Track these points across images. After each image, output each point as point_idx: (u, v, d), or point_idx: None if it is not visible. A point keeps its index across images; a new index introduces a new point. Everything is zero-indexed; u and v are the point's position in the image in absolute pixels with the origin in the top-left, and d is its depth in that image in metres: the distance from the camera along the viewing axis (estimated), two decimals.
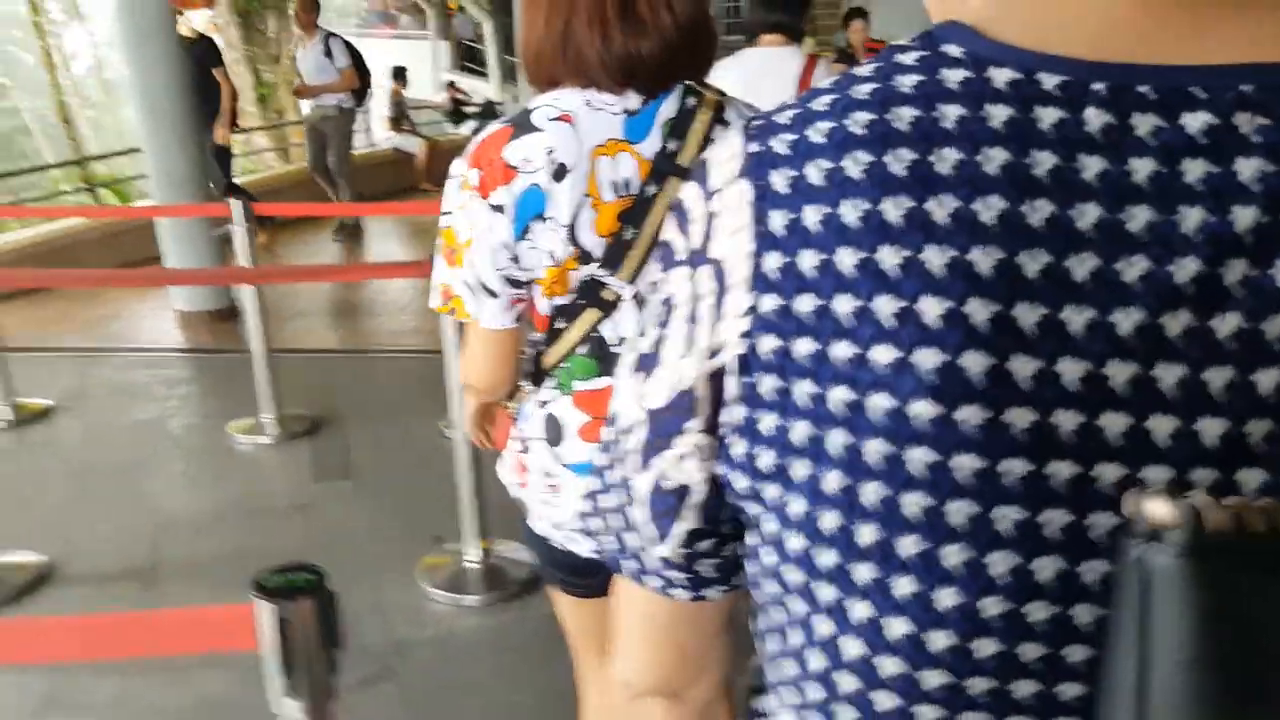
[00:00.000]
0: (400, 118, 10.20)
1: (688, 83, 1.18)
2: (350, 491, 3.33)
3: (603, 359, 1.20)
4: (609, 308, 1.18)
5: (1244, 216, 0.36)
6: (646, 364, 0.48)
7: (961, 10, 0.42)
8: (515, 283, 1.19)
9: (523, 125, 1.14)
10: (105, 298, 5.81)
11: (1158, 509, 0.34)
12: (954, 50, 0.40)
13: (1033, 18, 0.40)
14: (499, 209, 1.14)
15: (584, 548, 1.27)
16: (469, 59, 15.91)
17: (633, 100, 1.15)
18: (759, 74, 2.67)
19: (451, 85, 12.70)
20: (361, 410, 4.07)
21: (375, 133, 10.38)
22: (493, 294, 1.18)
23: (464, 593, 2.61)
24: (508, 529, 2.86)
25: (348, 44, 7.06)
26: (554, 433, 1.24)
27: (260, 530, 3.06)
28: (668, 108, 1.16)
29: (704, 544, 0.50)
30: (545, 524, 1.30)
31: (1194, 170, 0.36)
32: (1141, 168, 0.37)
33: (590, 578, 1.31)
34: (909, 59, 0.41)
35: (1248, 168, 0.36)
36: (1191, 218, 0.36)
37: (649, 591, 0.54)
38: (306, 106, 7.09)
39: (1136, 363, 0.37)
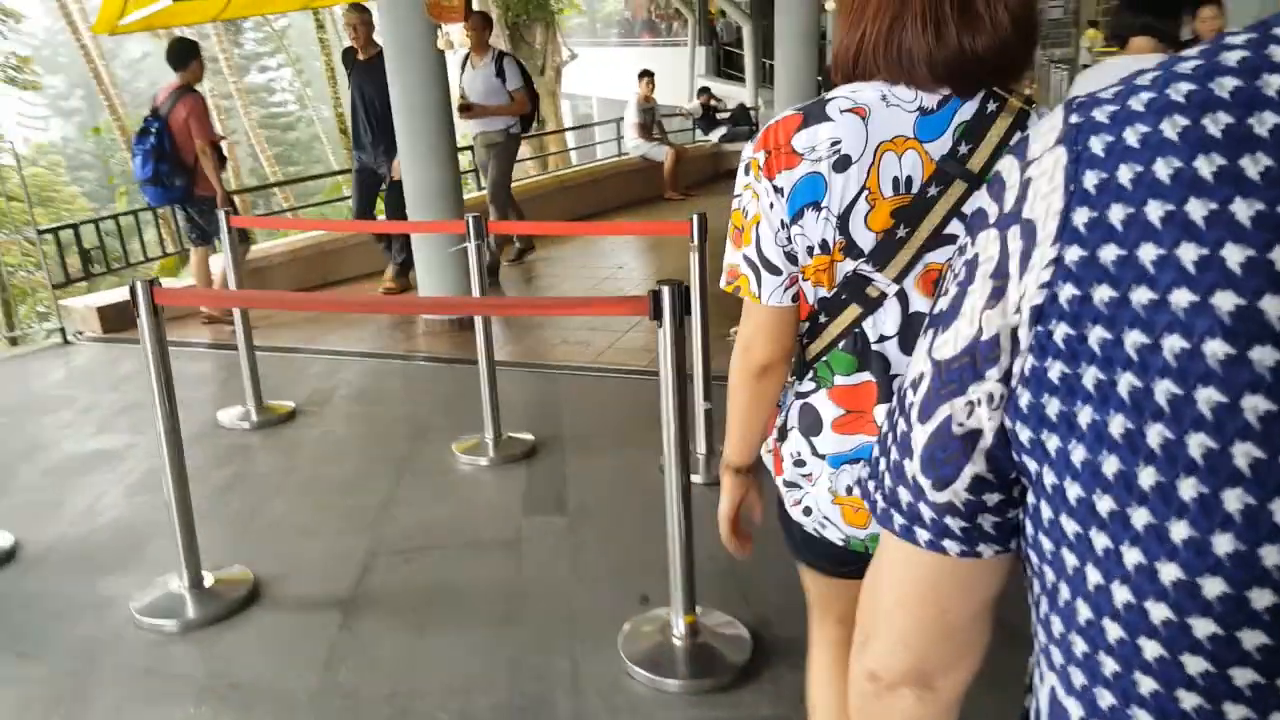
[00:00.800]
0: (650, 124, 10.11)
1: (993, 88, 1.14)
2: (562, 529, 3.10)
3: (863, 356, 1.21)
4: (872, 305, 1.18)
5: None
6: (942, 320, 0.51)
7: None
8: (793, 259, 1.20)
9: (814, 114, 1.16)
10: None
11: None
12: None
13: None
14: (779, 190, 1.16)
15: (835, 536, 1.29)
16: (728, 64, 15.72)
17: (930, 99, 1.14)
18: None
19: (705, 91, 12.52)
20: (583, 435, 3.87)
21: (626, 140, 10.35)
22: (776, 270, 1.20)
23: (667, 675, 2.27)
24: (723, 597, 2.54)
25: (520, 66, 6.74)
26: (810, 423, 1.26)
27: (465, 564, 2.89)
28: (966, 110, 1.13)
29: (991, 497, 0.51)
30: (796, 510, 1.31)
31: None
32: None
33: (845, 565, 1.32)
34: (1238, 40, 0.43)
35: None
36: None
37: (917, 549, 0.54)
38: (473, 128, 6.75)
39: None
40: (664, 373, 2.21)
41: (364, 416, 4.31)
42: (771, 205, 1.17)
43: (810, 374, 1.25)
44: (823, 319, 1.21)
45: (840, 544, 1.28)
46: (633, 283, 6.49)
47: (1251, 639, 0.40)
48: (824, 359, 1.23)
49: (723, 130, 11.93)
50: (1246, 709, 0.41)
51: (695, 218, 3.32)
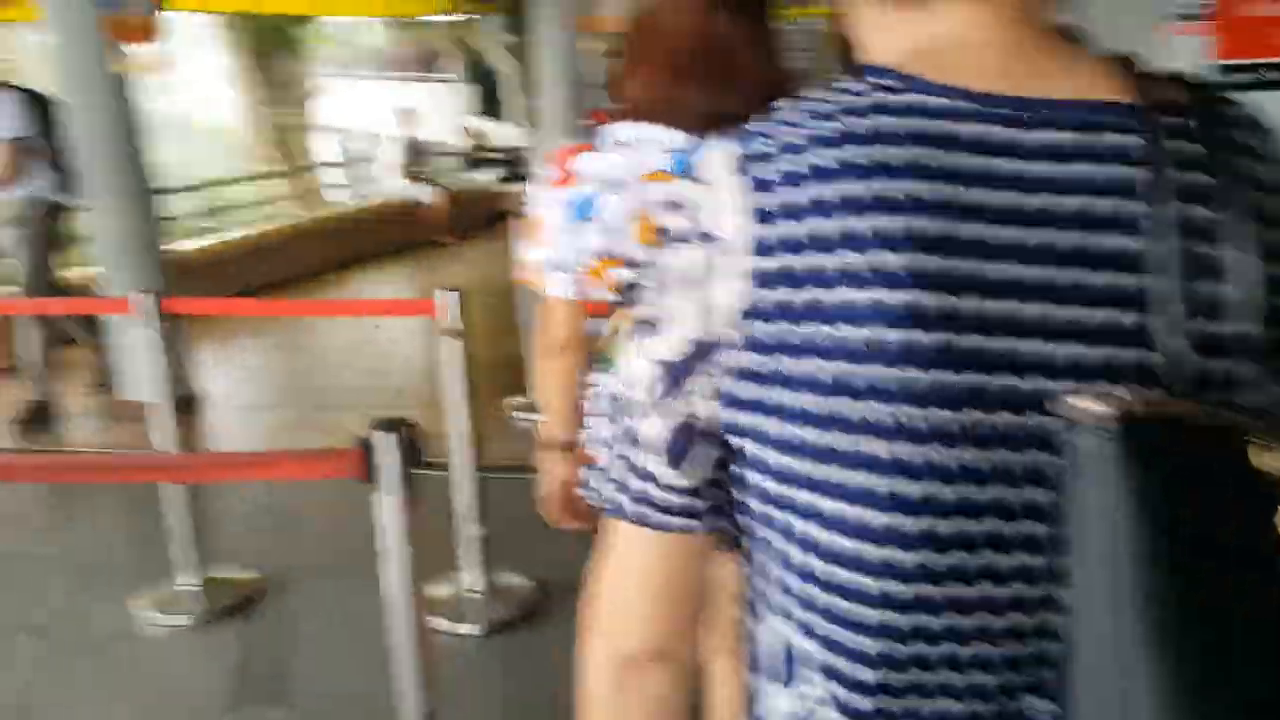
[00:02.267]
0: (416, 165, 9.25)
1: None
2: None
3: None
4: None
5: (1079, 202, 0.52)
6: (653, 326, 0.59)
7: (883, 57, 0.57)
8: (574, 261, 1.37)
9: (592, 144, 1.39)
10: None
11: (1088, 403, 0.46)
12: (891, 81, 0.54)
13: (936, 62, 0.55)
14: (565, 204, 1.37)
15: None
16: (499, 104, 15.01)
17: (685, 141, 1.31)
18: None
19: (474, 131, 11.82)
20: (327, 566, 3.02)
21: (390, 182, 9.43)
22: (561, 268, 1.39)
23: None
24: None
25: (37, 98, 4.34)
26: (603, 402, 1.41)
27: None
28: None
29: (720, 473, 0.60)
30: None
31: (1074, 168, 0.53)
32: (1007, 165, 0.52)
33: None
34: (858, 86, 0.55)
35: (1102, 173, 0.52)
36: (1065, 203, 0.52)
37: (647, 534, 0.62)
38: None
39: (1041, 303, 0.51)
40: (390, 559, 1.49)
41: None
42: (557, 215, 1.36)
43: (605, 366, 1.40)
44: (608, 317, 1.38)
45: None
46: (369, 377, 5.55)
47: (910, 558, 0.52)
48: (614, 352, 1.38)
49: (501, 170, 11.27)
50: (933, 618, 0.54)
51: (444, 298, 2.58)
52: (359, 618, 2.66)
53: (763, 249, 0.54)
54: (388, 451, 1.41)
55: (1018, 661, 0.54)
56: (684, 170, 1.44)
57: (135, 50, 4.09)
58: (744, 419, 0.56)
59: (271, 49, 14.18)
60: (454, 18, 13.31)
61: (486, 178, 11.12)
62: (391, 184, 9.41)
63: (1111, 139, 0.52)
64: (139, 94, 4.29)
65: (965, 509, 0.51)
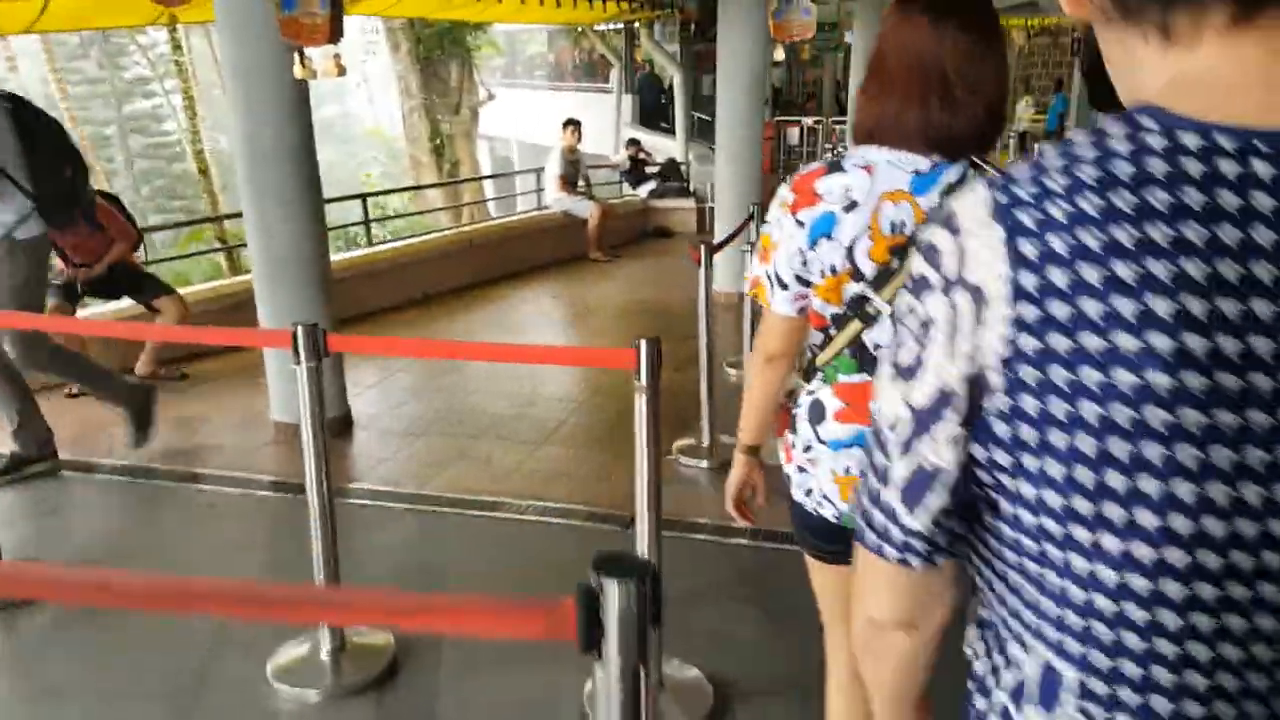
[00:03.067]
0: (574, 177, 9.01)
1: (973, 158, 1.40)
2: None
3: (862, 360, 1.46)
4: (870, 320, 1.43)
5: None
6: (908, 373, 0.62)
7: (1138, 92, 0.59)
8: (802, 281, 1.46)
9: (834, 166, 1.43)
10: None
11: None
12: (1149, 122, 0.56)
13: (1197, 99, 0.56)
14: (801, 224, 1.43)
15: (830, 512, 1.52)
16: (657, 115, 14.74)
17: (924, 163, 1.39)
18: None
19: (633, 143, 11.52)
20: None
21: (547, 193, 9.22)
22: (785, 286, 1.47)
23: None
24: None
25: (19, 110, 3.52)
26: (817, 414, 1.50)
27: None
28: (952, 174, 1.38)
29: (947, 520, 0.64)
30: (800, 491, 1.55)
31: None
32: (1270, 200, 0.53)
33: (836, 544, 1.52)
34: (1115, 129, 0.57)
35: None
36: None
37: (885, 565, 0.68)
38: None
39: None
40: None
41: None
42: (792, 235, 1.43)
43: (819, 376, 1.50)
44: (833, 331, 1.46)
45: (834, 520, 1.51)
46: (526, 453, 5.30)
47: (1207, 591, 0.55)
48: (832, 364, 1.47)
49: (652, 185, 10.93)
50: (1205, 647, 0.57)
51: (643, 345, 2.16)
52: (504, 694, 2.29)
53: (1024, 296, 0.56)
54: (618, 608, 0.97)
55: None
56: (921, 191, 1.37)
57: (314, 53, 3.87)
58: (1008, 459, 0.59)
59: (437, 55, 14.43)
60: (619, 25, 13.15)
61: (642, 192, 10.82)
62: (548, 196, 9.18)
63: None
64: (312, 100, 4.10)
65: (1237, 543, 0.54)
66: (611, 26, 13.25)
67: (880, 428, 0.65)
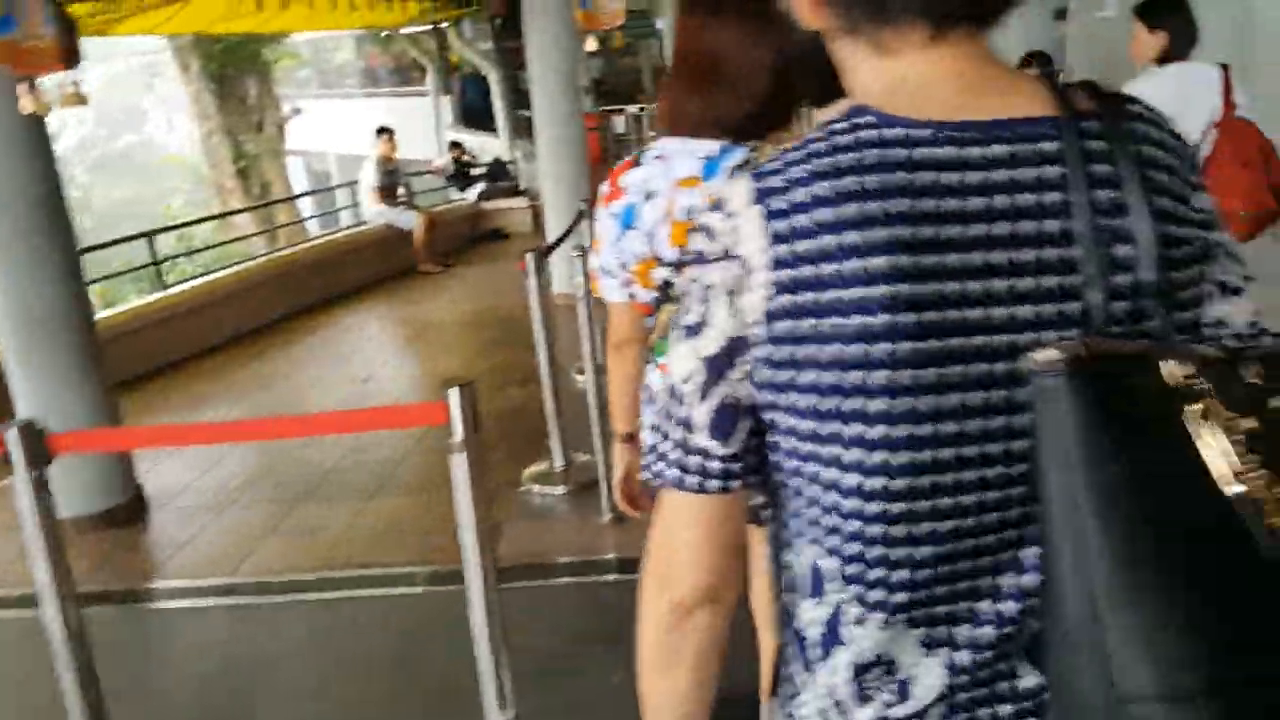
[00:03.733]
0: (393, 187, 8.40)
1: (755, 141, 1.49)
2: None
3: None
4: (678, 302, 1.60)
5: (1010, 199, 0.67)
6: (696, 330, 0.73)
7: (863, 93, 0.73)
8: (625, 268, 1.53)
9: (636, 160, 1.53)
10: None
11: (1047, 353, 0.59)
12: (865, 120, 0.69)
13: (906, 99, 0.69)
14: (614, 216, 1.52)
15: None
16: (489, 114, 14.08)
17: (714, 148, 1.46)
18: None
19: (456, 145, 10.97)
20: None
21: (364, 208, 8.59)
22: (612, 275, 1.55)
23: None
24: None
25: None
26: (647, 395, 1.56)
27: None
28: (736, 157, 1.46)
29: (754, 440, 0.74)
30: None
31: (1000, 174, 0.67)
32: (955, 177, 0.67)
33: None
34: (840, 126, 0.69)
35: (1025, 174, 0.67)
36: (998, 201, 0.67)
37: (701, 499, 0.76)
38: None
39: (991, 279, 0.66)
40: None
41: None
42: (608, 228, 1.53)
43: (650, 356, 1.56)
44: (655, 314, 1.54)
45: None
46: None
47: (925, 481, 0.67)
48: (656, 345, 1.49)
49: (480, 187, 10.44)
50: (927, 525, 0.69)
51: (454, 396, 1.78)
52: None
53: (779, 264, 0.67)
54: None
55: (1000, 544, 0.71)
56: (710, 176, 1.45)
57: (47, 82, 3.25)
58: (774, 397, 0.70)
59: (230, 71, 13.36)
60: (429, 27, 12.52)
61: (471, 195, 10.31)
62: (365, 210, 8.55)
63: (1036, 146, 0.68)
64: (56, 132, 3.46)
65: (942, 442, 0.67)
66: (421, 28, 12.60)
67: (675, 384, 0.75)
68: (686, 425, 0.74)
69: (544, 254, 3.73)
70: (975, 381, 0.66)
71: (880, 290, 0.64)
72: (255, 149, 13.86)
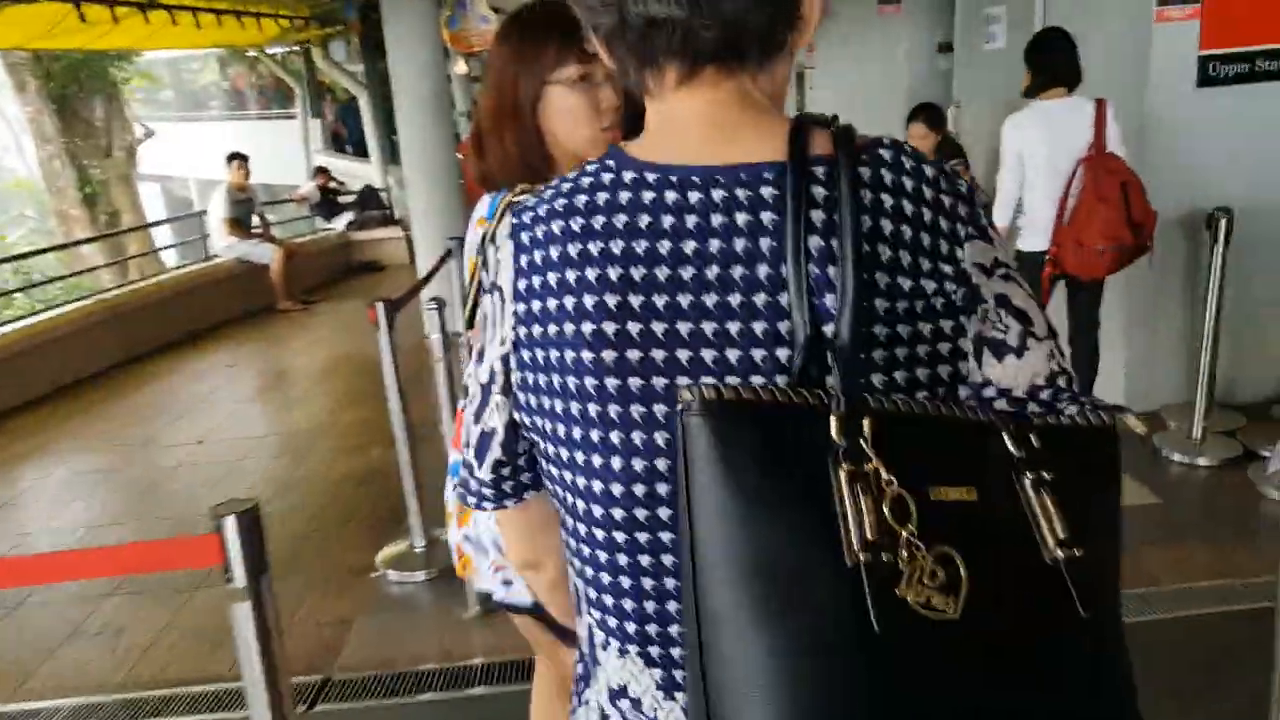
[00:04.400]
0: (245, 219, 7.73)
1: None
2: None
3: None
4: None
5: (722, 244, 0.68)
6: (479, 357, 0.78)
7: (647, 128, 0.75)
8: None
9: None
10: None
11: (691, 392, 0.60)
12: (610, 162, 0.73)
13: (654, 141, 0.73)
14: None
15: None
16: (359, 140, 13.39)
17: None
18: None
19: (322, 171, 10.33)
20: None
21: (214, 240, 7.88)
22: None
23: None
24: None
25: None
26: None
27: None
28: (505, 196, 1.26)
29: (505, 470, 0.80)
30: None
31: (717, 219, 0.68)
32: (672, 220, 0.69)
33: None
34: (590, 167, 0.74)
35: (740, 218, 0.68)
36: (712, 245, 0.68)
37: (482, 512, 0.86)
38: None
39: (694, 320, 0.68)
40: None
41: None
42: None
43: None
44: None
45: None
46: None
47: (641, 512, 0.70)
48: None
49: (349, 216, 9.83)
50: (643, 556, 0.71)
51: (230, 525, 1.33)
52: None
53: (519, 296, 0.72)
54: None
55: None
56: (490, 214, 1.47)
57: None
58: (529, 420, 0.74)
59: (74, 91, 12.29)
60: (294, 48, 11.83)
61: (339, 224, 9.69)
62: (215, 243, 7.85)
63: (755, 191, 0.68)
64: None
65: (649, 478, 0.69)
66: (288, 49, 11.90)
67: (467, 404, 0.81)
68: (466, 443, 0.81)
69: (398, 303, 3.28)
70: (667, 419, 0.68)
71: (589, 326, 0.68)
72: (103, 174, 12.80)
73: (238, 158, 7.73)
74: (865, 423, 0.59)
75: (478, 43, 5.81)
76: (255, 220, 7.85)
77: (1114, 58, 3.76)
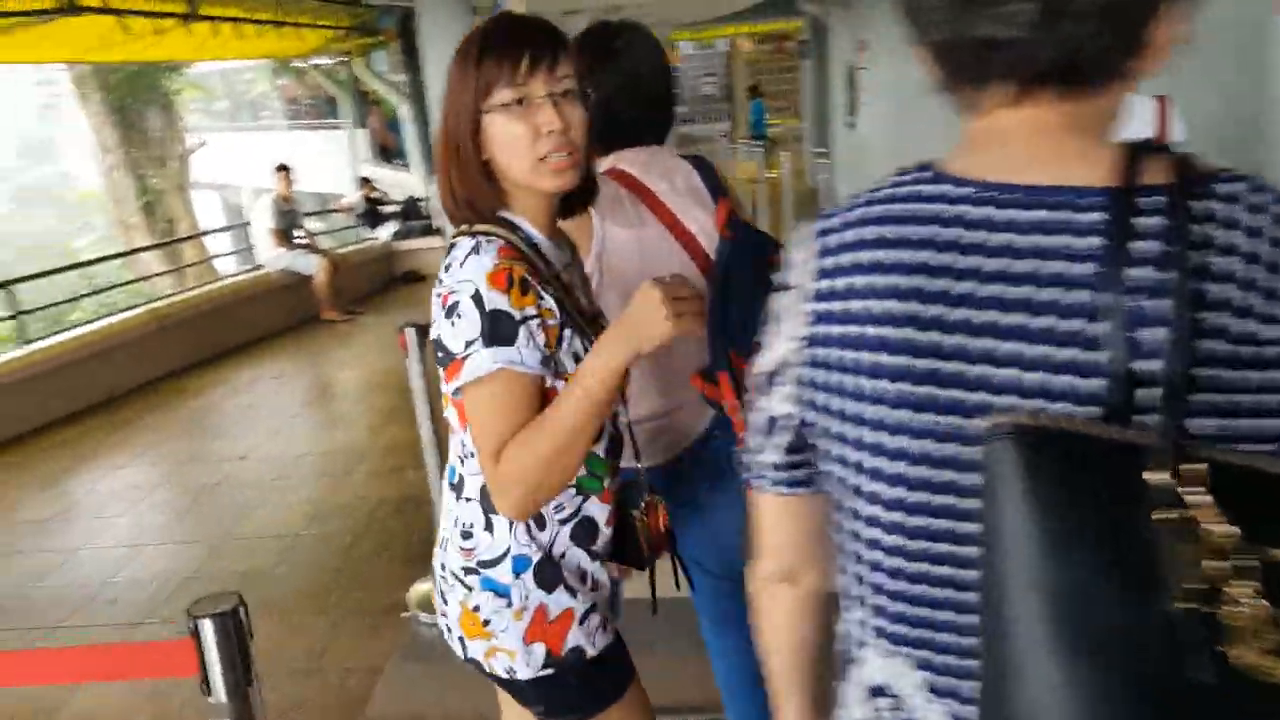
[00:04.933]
0: (290, 229, 7.77)
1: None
2: None
3: None
4: None
5: (1031, 265, 0.67)
6: (765, 347, 0.81)
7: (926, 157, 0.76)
8: None
9: None
10: None
11: (1000, 417, 0.60)
12: (918, 174, 0.73)
13: (971, 156, 0.72)
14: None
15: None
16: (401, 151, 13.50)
17: None
18: None
19: (365, 182, 10.38)
20: None
21: (259, 251, 7.94)
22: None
23: None
24: None
25: None
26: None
27: None
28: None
29: (797, 456, 0.82)
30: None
31: (1029, 240, 0.67)
32: (973, 235, 0.68)
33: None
34: (906, 176, 0.74)
35: (1056, 242, 0.66)
36: (1017, 265, 0.67)
37: (761, 493, 0.86)
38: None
39: (1011, 341, 0.67)
40: None
41: None
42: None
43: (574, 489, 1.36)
44: None
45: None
46: None
47: (938, 524, 0.71)
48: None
49: (394, 226, 9.85)
50: (933, 565, 0.72)
51: (207, 630, 1.23)
52: None
53: (819, 296, 0.74)
54: None
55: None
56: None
57: None
58: (813, 416, 0.77)
59: (131, 102, 12.55)
60: (339, 59, 11.92)
61: (383, 234, 9.72)
62: (261, 253, 7.91)
63: (1076, 216, 0.66)
64: None
65: (944, 488, 0.70)
66: (336, 59, 11.99)
67: (751, 388, 0.83)
68: (750, 426, 0.85)
69: (428, 329, 3.20)
70: (975, 436, 0.66)
71: (890, 333, 0.70)
72: (160, 183, 13.04)
73: (283, 169, 7.78)
74: (1197, 467, 0.56)
75: None
76: (299, 231, 7.89)
77: (1227, 48, 3.58)
